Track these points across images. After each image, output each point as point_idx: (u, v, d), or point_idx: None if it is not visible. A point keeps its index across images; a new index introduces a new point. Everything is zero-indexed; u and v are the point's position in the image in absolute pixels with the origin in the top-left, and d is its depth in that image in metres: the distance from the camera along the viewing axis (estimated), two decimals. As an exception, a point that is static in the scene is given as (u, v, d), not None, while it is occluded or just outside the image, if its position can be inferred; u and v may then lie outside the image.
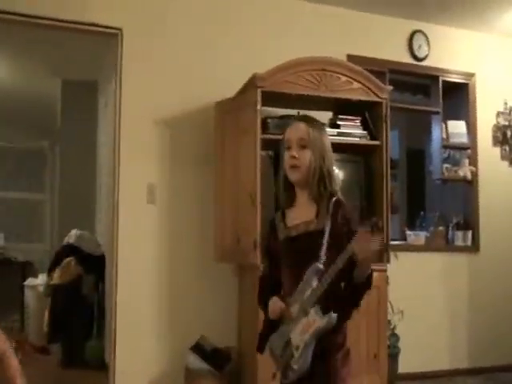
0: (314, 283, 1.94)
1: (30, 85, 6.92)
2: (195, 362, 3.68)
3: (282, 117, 3.89)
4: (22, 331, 6.09)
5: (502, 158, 5.26)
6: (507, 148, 5.28)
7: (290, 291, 2.04)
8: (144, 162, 4.04)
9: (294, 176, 2.09)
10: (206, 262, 4.03)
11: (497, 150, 5.25)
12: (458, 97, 5.19)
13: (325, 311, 1.92)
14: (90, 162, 6.38)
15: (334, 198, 2.05)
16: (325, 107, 4.17)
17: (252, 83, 3.71)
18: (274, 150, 3.89)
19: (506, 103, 5.30)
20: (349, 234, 1.91)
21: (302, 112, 4.04)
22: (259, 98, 3.63)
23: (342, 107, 4.07)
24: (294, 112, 3.99)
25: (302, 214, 2.11)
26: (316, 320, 1.92)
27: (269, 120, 3.77)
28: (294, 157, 2.07)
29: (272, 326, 2.09)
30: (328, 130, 3.89)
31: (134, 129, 4.03)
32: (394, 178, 4.38)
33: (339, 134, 3.91)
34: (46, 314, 5.10)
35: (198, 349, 3.77)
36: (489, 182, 5.11)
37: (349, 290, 1.98)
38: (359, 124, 4.00)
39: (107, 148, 4.96)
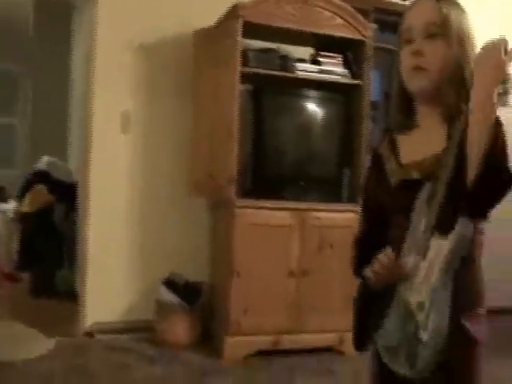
0: (425, 212, 1.30)
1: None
2: (166, 295, 3.70)
3: (263, 50, 3.79)
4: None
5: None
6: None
7: (400, 246, 1.36)
8: (119, 89, 3.91)
9: (415, 83, 1.38)
10: (180, 196, 3.99)
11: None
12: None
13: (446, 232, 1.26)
14: (63, 88, 6.18)
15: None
16: (306, 42, 4.06)
17: (233, 12, 3.57)
18: (253, 83, 3.82)
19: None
20: None
21: (283, 46, 3.96)
22: (240, 29, 3.51)
23: (324, 44, 3.98)
24: (274, 46, 3.89)
25: (426, 143, 1.39)
26: (441, 248, 1.26)
27: (249, 53, 3.66)
28: (417, 53, 1.36)
29: (374, 312, 1.40)
30: (308, 66, 3.84)
31: (109, 54, 3.87)
32: (374, 119, 4.32)
33: (320, 71, 3.83)
34: (16, 240, 5.06)
35: (170, 283, 3.78)
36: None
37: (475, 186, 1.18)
38: (341, 62, 3.92)
39: (81, 73, 4.80)
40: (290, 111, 3.81)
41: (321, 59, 3.88)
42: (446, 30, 1.34)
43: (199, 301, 3.76)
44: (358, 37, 3.85)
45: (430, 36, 1.35)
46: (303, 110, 3.87)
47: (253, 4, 3.56)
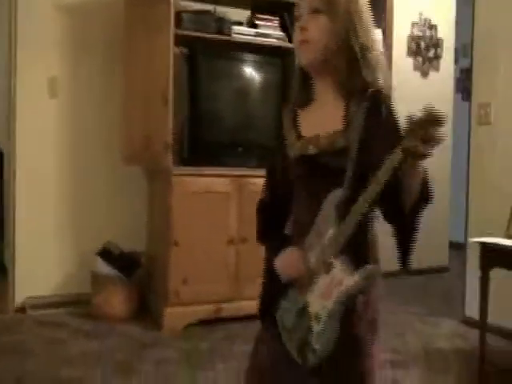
0: (333, 220, 1.32)
1: None
2: (102, 266, 3.58)
3: (198, 12, 3.66)
4: None
5: (415, 68, 5.31)
6: (420, 59, 5.32)
7: (304, 231, 1.39)
8: (45, 53, 3.71)
9: (303, 56, 1.42)
10: (113, 165, 3.84)
11: (410, 61, 5.28)
12: (374, 5, 5.08)
13: (356, 263, 1.29)
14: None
15: (369, 90, 1.34)
16: (242, 4, 3.96)
17: (167, -28, 3.42)
18: (188, 47, 3.69)
19: (421, 14, 5.30)
20: (390, 141, 1.19)
21: (219, 8, 3.84)
22: (174, -11, 3.37)
23: (261, 6, 3.89)
24: (210, 7, 3.77)
25: (324, 118, 1.42)
26: (343, 278, 1.29)
27: (183, 15, 3.53)
28: (302, 28, 1.41)
29: (277, 281, 1.43)
30: (245, 29, 3.75)
31: (34, 16, 3.66)
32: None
33: (257, 35, 3.75)
34: None
35: (105, 254, 3.65)
36: (401, 92, 5.14)
37: (397, 216, 1.28)
38: (278, 25, 3.84)
39: (1, 35, 4.52)
40: (227, 75, 3.71)
41: (258, 22, 3.81)
42: (330, 6, 1.38)
43: (136, 272, 3.67)
44: (294, -1, 3.77)
45: (314, 12, 1.40)
46: (240, 74, 3.78)
47: (187, -37, 3.42)
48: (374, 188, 1.20)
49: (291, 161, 1.46)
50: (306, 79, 1.49)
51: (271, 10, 3.85)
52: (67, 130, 3.81)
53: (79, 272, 3.76)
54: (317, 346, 1.32)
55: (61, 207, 3.80)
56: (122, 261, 3.65)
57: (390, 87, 1.40)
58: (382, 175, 1.18)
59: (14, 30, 3.67)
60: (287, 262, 1.41)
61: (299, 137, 1.46)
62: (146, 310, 3.69)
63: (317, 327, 1.32)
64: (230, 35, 3.66)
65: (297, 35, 1.43)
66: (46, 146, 3.75)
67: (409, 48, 5.26)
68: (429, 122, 1.09)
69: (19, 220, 3.69)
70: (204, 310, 3.49)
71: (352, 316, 1.33)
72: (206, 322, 3.49)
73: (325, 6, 1.39)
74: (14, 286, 3.68)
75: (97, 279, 3.60)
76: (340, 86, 1.40)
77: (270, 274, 1.47)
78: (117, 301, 3.55)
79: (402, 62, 5.20)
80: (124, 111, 3.79)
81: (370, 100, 1.33)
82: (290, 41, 3.81)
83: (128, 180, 3.94)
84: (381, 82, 1.37)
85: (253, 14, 3.94)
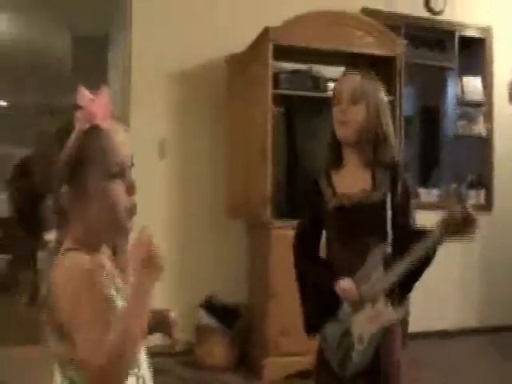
0: (380, 267, 1.72)
1: (38, 40, 6.84)
2: (205, 318, 3.71)
3: (294, 72, 3.83)
4: None
5: (519, 115, 5.15)
6: (523, 105, 5.17)
7: (343, 270, 1.78)
8: (155, 117, 4.00)
9: (342, 132, 1.86)
10: (217, 219, 4.03)
11: (512, 108, 5.14)
12: (474, 52, 5.06)
13: (393, 301, 1.74)
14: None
15: (392, 163, 1.83)
16: (338, 62, 4.07)
17: (264, 37, 3.63)
18: (285, 106, 3.85)
19: (523, 59, 5.17)
20: (407, 205, 1.81)
21: (315, 67, 3.99)
22: (271, 53, 3.56)
23: (356, 62, 3.98)
24: (305, 67, 3.92)
25: (354, 180, 1.86)
26: (385, 312, 1.71)
27: (281, 75, 3.70)
28: (344, 112, 1.85)
29: (324, 305, 1.85)
30: (341, 85, 3.85)
31: (145, 83, 3.97)
32: (407, 134, 4.31)
33: (352, 90, 3.84)
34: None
35: (208, 305, 3.79)
36: (504, 140, 5.02)
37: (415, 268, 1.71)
38: (373, 79, 3.92)
39: (118, 104, 4.91)
40: (322, 131, 3.79)
41: (352, 78, 3.89)
42: (365, 98, 1.83)
43: (238, 323, 3.76)
44: (388, 53, 3.85)
45: (353, 101, 1.84)
46: (336, 129, 3.86)
47: (283, 27, 3.61)
48: (415, 253, 1.64)
49: (328, 212, 1.86)
50: (338, 147, 1.91)
51: (365, 65, 3.93)
52: (174, 188, 4.04)
53: (183, 323, 3.89)
54: (357, 360, 1.71)
55: (168, 262, 3.97)
56: (224, 312, 3.76)
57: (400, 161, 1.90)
58: (422, 248, 1.64)
59: (127, 95, 3.99)
60: (348, 287, 1.75)
61: (334, 193, 1.87)
62: (246, 360, 3.75)
63: (360, 346, 1.71)
64: (325, 92, 3.78)
65: (336, 115, 1.88)
66: (155, 203, 3.97)
67: (511, 94, 5.13)
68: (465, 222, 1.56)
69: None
70: (302, 362, 3.50)
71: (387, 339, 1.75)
72: (306, 374, 3.49)
73: (362, 99, 1.83)
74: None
75: (200, 330, 3.73)
76: (365, 158, 1.85)
77: (318, 296, 1.89)
78: (218, 351, 3.65)
79: (505, 110, 5.06)
80: (227, 168, 3.98)
81: (392, 170, 1.83)
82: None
83: (230, 234, 4.09)
84: (397, 157, 1.87)
85: (347, 69, 4.04)
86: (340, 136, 1.88)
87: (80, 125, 1.15)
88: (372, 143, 1.83)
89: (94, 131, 1.16)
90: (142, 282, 1.09)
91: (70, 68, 6.95)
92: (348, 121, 1.84)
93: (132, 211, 1.22)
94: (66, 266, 1.10)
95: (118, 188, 1.19)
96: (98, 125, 1.16)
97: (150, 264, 1.10)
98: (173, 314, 1.30)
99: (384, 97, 1.90)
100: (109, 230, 1.21)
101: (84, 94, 1.17)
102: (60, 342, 1.08)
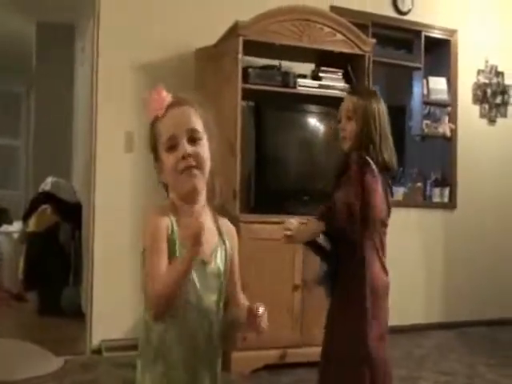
0: None
1: (3, 26, 6.70)
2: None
3: (264, 67, 3.84)
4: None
5: (481, 116, 5.27)
6: (486, 106, 5.29)
7: None
8: (122, 109, 3.96)
9: (344, 146, 2.32)
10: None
11: (476, 108, 5.26)
12: (440, 53, 5.16)
13: None
14: (66, 109, 6.23)
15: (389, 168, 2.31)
16: (307, 58, 4.11)
17: (234, 31, 3.63)
18: (255, 100, 3.86)
19: (487, 61, 5.28)
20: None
21: (284, 63, 4.01)
22: (241, 47, 3.57)
23: (325, 59, 4.02)
24: (275, 62, 3.94)
25: None
26: None
27: (250, 70, 3.71)
28: (342, 129, 2.31)
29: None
30: (309, 81, 3.89)
31: (112, 74, 3.93)
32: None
33: (320, 87, 3.89)
34: (22, 261, 5.07)
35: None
36: (467, 140, 5.13)
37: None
38: (341, 77, 3.97)
39: (84, 94, 4.85)
40: (291, 126, 3.85)
41: (321, 74, 3.94)
42: (355, 116, 2.27)
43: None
44: (357, 52, 3.90)
45: (348, 118, 2.30)
46: (305, 125, 3.91)
47: (253, 22, 3.61)
48: None
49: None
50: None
51: (335, 63, 3.98)
52: (141, 182, 3.99)
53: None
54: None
55: (134, 255, 3.95)
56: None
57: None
58: None
59: (95, 88, 3.93)
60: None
61: None
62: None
63: None
64: (294, 88, 3.81)
65: (340, 132, 2.32)
66: (121, 196, 3.96)
67: (475, 95, 5.24)
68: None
69: (96, 267, 3.88)
70: (270, 356, 3.54)
71: None
72: (272, 367, 3.53)
73: (352, 115, 2.26)
74: (91, 329, 3.85)
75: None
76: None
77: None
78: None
79: (468, 110, 5.18)
80: (194, 162, 3.96)
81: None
82: (354, 92, 3.92)
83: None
84: (394, 162, 2.27)
85: (317, 66, 4.08)
86: (343, 147, 2.32)
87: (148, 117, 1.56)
88: (365, 148, 2.22)
89: (155, 120, 1.55)
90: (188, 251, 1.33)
91: (34, 55, 6.83)
92: (345, 135, 2.29)
93: (191, 171, 1.45)
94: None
95: (173, 156, 1.49)
96: (157, 115, 1.53)
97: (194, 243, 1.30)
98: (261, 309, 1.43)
99: (377, 109, 2.26)
100: (179, 192, 1.49)
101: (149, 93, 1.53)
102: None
